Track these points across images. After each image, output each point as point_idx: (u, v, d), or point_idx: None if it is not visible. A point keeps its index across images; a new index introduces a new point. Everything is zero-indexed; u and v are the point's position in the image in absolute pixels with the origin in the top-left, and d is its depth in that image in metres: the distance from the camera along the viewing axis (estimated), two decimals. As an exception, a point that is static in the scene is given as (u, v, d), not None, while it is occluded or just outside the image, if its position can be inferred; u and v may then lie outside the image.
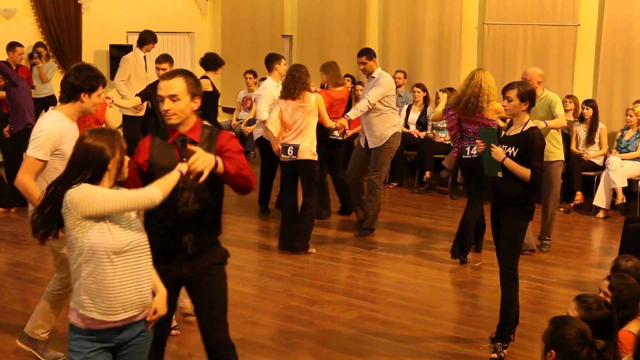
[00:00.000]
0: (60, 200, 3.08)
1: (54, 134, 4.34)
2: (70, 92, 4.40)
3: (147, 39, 10.12)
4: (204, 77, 8.43)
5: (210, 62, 8.74)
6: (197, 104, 3.61)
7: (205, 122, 3.77)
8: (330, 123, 7.46)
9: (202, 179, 3.32)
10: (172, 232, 3.62)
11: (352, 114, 7.82)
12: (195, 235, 3.66)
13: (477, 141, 5.27)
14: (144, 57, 10.30)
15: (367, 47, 8.29)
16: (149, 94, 7.85)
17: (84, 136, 3.18)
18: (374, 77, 7.75)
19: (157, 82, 7.64)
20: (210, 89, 8.35)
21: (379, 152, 7.78)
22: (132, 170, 3.50)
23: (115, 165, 3.18)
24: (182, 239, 3.64)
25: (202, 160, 3.31)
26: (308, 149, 7.10)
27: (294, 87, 7.06)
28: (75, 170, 3.12)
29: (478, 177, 6.60)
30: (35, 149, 4.31)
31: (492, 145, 5.06)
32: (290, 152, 7.12)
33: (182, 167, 3.30)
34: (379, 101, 7.66)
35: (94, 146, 3.12)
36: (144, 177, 3.56)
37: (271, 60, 8.13)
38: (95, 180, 3.12)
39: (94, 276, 3.06)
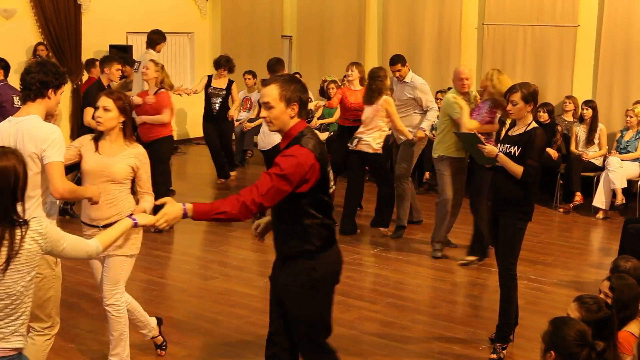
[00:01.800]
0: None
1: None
2: (37, 88, 3.98)
3: (155, 39, 9.94)
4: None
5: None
6: (294, 110, 3.51)
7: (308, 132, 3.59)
8: (401, 125, 7.70)
9: (165, 228, 3.40)
10: None
11: (426, 125, 7.98)
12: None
13: (484, 147, 5.22)
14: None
15: (397, 54, 8.38)
16: None
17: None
18: (407, 82, 8.00)
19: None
20: None
21: (404, 146, 7.94)
22: None
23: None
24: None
25: (166, 220, 3.31)
26: (369, 144, 7.68)
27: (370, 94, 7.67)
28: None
29: (480, 174, 6.75)
30: (60, 154, 3.96)
31: (482, 146, 5.11)
32: (354, 143, 7.79)
33: (141, 220, 3.40)
34: (412, 99, 7.95)
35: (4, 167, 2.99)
36: None
37: (278, 64, 8.20)
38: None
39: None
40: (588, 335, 3.09)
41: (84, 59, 11.39)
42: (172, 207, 3.32)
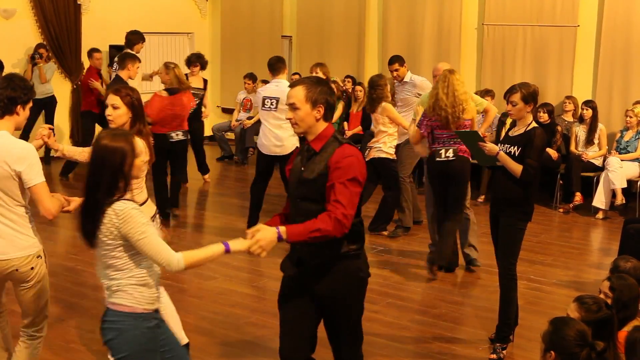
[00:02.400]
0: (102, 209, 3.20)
1: None
2: (5, 105, 3.87)
3: (132, 39, 10.04)
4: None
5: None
6: (320, 112, 3.51)
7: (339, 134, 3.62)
8: (406, 124, 7.62)
9: (262, 256, 3.36)
10: None
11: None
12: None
13: (485, 145, 5.18)
14: None
15: (396, 54, 8.42)
16: None
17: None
18: (406, 82, 8.05)
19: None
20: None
21: (404, 147, 7.91)
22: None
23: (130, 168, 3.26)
24: None
25: (260, 245, 3.31)
26: (380, 149, 7.72)
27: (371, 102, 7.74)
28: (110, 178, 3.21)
29: (457, 185, 6.53)
30: (41, 173, 3.93)
31: (483, 144, 5.10)
32: (365, 153, 7.77)
33: (234, 246, 3.30)
34: (415, 97, 7.95)
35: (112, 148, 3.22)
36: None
37: (280, 62, 8.14)
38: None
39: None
40: (588, 335, 3.09)
41: (84, 59, 11.40)
42: (266, 232, 3.32)
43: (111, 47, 11.73)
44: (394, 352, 5.16)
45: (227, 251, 3.29)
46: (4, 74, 8.51)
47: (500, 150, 5.01)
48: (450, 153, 6.43)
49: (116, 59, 9.30)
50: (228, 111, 13.18)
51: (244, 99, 12.13)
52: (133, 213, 3.15)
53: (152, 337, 3.26)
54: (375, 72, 10.13)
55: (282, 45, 13.02)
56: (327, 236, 3.37)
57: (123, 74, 7.92)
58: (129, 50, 9.80)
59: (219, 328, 5.47)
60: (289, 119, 3.56)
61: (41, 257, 4.07)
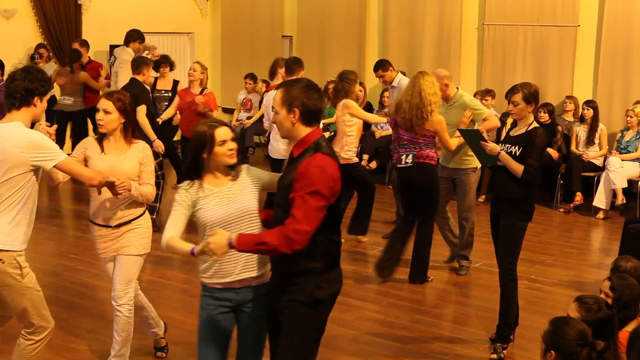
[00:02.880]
0: None
1: None
2: (22, 96, 3.93)
3: (129, 36, 10.17)
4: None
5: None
6: (295, 116, 3.32)
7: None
8: (373, 118, 7.62)
9: (213, 259, 3.34)
10: None
11: None
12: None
13: (487, 144, 5.13)
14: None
15: (380, 59, 8.35)
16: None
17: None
18: (394, 86, 7.97)
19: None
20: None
21: None
22: None
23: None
24: None
25: (210, 248, 3.22)
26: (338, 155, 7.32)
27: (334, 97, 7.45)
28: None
29: (425, 192, 6.28)
30: (60, 152, 3.99)
31: (485, 143, 5.09)
32: None
33: (197, 248, 3.28)
34: None
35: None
36: None
37: (296, 64, 8.02)
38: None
39: None
40: (588, 335, 3.09)
41: (84, 59, 11.38)
42: (219, 237, 3.23)
43: (111, 46, 11.71)
44: (394, 352, 5.16)
45: (192, 254, 3.30)
46: (4, 73, 8.54)
47: (501, 150, 5.01)
48: (409, 159, 6.23)
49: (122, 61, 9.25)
50: (228, 111, 13.18)
51: (244, 98, 12.12)
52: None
53: None
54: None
55: (283, 45, 13.02)
56: (274, 250, 3.20)
57: (140, 78, 7.86)
58: (127, 48, 9.98)
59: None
60: (272, 122, 3.55)
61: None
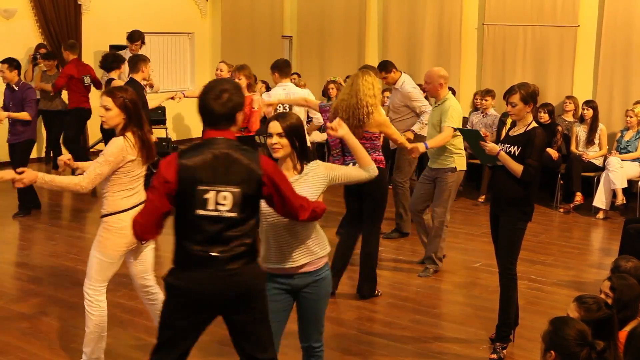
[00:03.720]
0: None
1: None
2: None
3: (135, 35, 10.20)
4: (111, 79, 8.38)
5: (110, 61, 8.68)
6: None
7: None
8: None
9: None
10: None
11: (417, 127, 7.79)
12: None
13: (486, 144, 5.10)
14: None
15: (383, 61, 8.30)
16: None
17: None
18: (397, 88, 7.94)
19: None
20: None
21: (399, 152, 7.83)
22: None
23: None
24: None
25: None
26: None
27: None
28: None
29: (371, 198, 5.95)
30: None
31: (484, 143, 5.08)
32: None
33: None
34: (404, 106, 7.84)
35: None
36: None
37: (289, 65, 8.03)
38: None
39: (264, 234, 3.74)
40: (588, 335, 3.09)
41: (84, 59, 11.38)
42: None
43: (111, 47, 11.72)
44: (394, 352, 5.16)
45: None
46: (20, 73, 8.58)
47: (500, 150, 5.01)
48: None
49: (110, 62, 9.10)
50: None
51: (244, 99, 12.12)
52: None
53: None
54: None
55: (283, 45, 13.02)
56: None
57: (137, 77, 7.81)
58: (124, 53, 9.92)
59: (218, 328, 5.44)
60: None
61: None
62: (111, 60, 8.75)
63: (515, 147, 4.95)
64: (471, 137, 5.35)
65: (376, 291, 6.23)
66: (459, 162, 6.62)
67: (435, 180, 6.67)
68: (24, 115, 8.16)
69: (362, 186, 5.57)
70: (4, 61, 8.34)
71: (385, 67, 7.97)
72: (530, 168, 4.88)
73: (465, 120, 10.45)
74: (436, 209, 6.66)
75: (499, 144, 5.13)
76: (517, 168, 4.89)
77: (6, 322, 5.48)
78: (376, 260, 6.21)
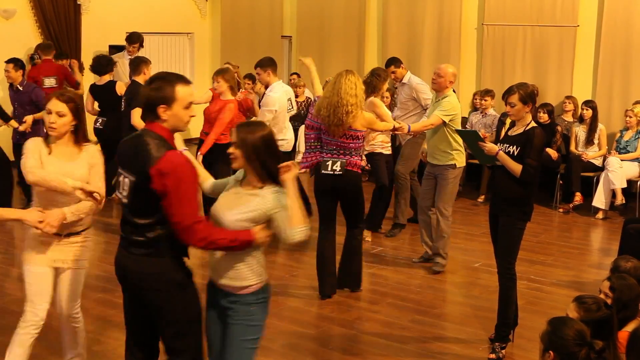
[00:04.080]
0: None
1: None
2: None
3: (131, 38, 10.25)
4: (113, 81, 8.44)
5: (104, 65, 8.68)
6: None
7: None
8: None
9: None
10: None
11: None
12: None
13: (485, 144, 5.08)
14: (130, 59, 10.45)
15: (392, 57, 8.38)
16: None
17: None
18: (404, 83, 8.01)
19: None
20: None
21: (404, 145, 7.93)
22: None
23: None
24: None
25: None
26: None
27: None
28: None
29: (351, 200, 6.02)
30: None
31: (483, 144, 5.08)
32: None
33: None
34: (411, 100, 7.93)
35: None
36: None
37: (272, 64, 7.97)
38: None
39: None
40: (587, 335, 3.09)
41: (83, 59, 11.39)
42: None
43: (111, 47, 11.73)
44: (394, 352, 5.16)
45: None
46: (24, 73, 8.56)
47: (499, 150, 5.01)
48: (337, 166, 5.86)
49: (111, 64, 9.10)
50: (228, 111, 13.18)
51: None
52: None
53: None
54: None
55: (282, 46, 13.03)
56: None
57: (140, 79, 7.73)
58: (122, 54, 10.02)
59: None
60: None
61: None
62: (105, 63, 8.74)
63: (515, 147, 4.95)
64: (470, 137, 5.36)
65: (360, 287, 6.30)
66: (459, 158, 6.68)
67: (436, 177, 6.74)
68: (43, 115, 8.16)
69: (337, 187, 5.84)
70: (10, 61, 8.31)
71: (394, 62, 8.11)
72: (530, 168, 4.88)
73: (464, 120, 10.46)
74: (440, 205, 6.72)
75: (498, 144, 5.13)
76: (517, 168, 4.90)
77: (6, 322, 5.47)
78: (360, 259, 6.28)
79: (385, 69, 7.70)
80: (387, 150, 7.86)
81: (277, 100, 7.56)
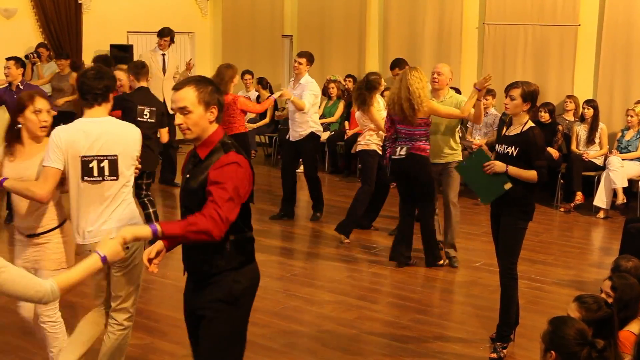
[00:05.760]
0: None
1: None
2: (102, 93, 4.08)
3: (162, 32, 10.41)
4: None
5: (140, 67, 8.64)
6: (213, 114, 3.26)
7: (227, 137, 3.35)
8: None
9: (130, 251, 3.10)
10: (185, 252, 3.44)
11: None
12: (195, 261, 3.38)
13: (492, 164, 4.99)
14: (162, 54, 10.50)
15: (397, 58, 8.69)
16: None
17: None
18: None
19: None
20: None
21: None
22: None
23: None
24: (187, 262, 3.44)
25: (131, 238, 3.06)
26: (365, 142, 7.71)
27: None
28: None
29: (418, 182, 6.66)
30: None
31: (490, 163, 4.96)
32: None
33: (108, 251, 2.98)
34: None
35: None
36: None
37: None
38: None
39: None
40: (588, 334, 3.09)
41: (84, 58, 11.39)
42: (136, 228, 3.13)
43: (112, 46, 11.73)
44: (395, 351, 5.16)
45: (104, 261, 2.95)
46: (25, 72, 8.52)
47: (507, 167, 4.92)
48: (403, 151, 6.59)
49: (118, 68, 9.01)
50: (229, 111, 13.18)
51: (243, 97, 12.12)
52: None
53: None
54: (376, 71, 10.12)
55: (283, 45, 13.02)
56: (205, 233, 3.09)
57: (143, 84, 7.65)
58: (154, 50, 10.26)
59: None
60: (179, 124, 3.25)
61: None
62: (141, 66, 8.64)
63: (513, 148, 4.95)
64: (473, 166, 5.12)
65: (441, 261, 6.93)
66: (460, 154, 7.01)
67: (440, 175, 6.90)
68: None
69: (408, 171, 6.61)
70: (11, 58, 8.10)
71: (399, 64, 8.31)
72: (542, 169, 4.91)
73: (465, 120, 10.44)
74: (450, 197, 6.94)
75: (497, 145, 5.12)
76: (531, 175, 4.89)
77: (6, 322, 5.48)
78: (434, 234, 6.94)
79: (378, 74, 7.67)
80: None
81: (317, 87, 8.25)
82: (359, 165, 8.21)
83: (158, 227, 3.06)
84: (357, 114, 7.81)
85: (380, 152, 7.68)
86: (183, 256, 3.44)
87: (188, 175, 3.32)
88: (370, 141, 7.64)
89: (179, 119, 3.24)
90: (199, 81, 3.29)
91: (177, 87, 3.26)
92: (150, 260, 3.20)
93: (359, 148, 7.84)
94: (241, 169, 3.22)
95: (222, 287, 3.30)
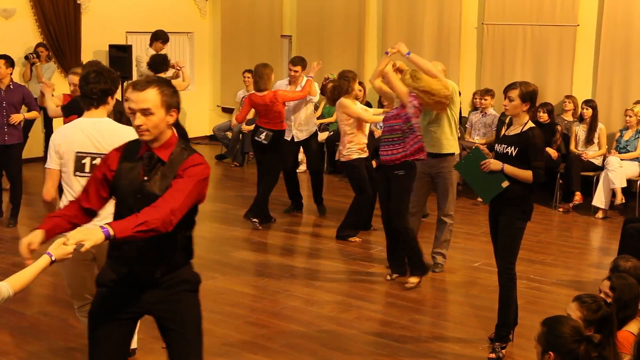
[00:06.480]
0: None
1: None
2: (99, 97, 4.21)
3: (156, 35, 10.34)
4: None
5: (159, 62, 8.74)
6: (172, 117, 3.24)
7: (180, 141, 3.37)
8: (368, 117, 7.70)
9: (84, 249, 2.92)
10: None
11: None
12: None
13: (488, 162, 4.99)
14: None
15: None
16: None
17: None
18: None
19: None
20: None
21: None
22: (96, 178, 3.33)
23: None
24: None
25: (81, 238, 2.92)
26: (340, 152, 7.72)
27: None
28: None
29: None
30: None
31: (486, 162, 4.97)
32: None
33: (54, 252, 2.93)
34: None
35: None
36: (109, 186, 3.34)
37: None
38: None
39: None
40: (583, 330, 3.10)
41: (83, 58, 11.38)
42: (89, 229, 2.99)
43: (111, 46, 11.73)
44: (394, 351, 5.16)
45: (53, 261, 2.93)
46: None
47: (503, 165, 4.93)
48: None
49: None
50: (228, 110, 13.19)
51: (243, 97, 12.11)
52: None
53: None
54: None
55: (282, 45, 13.02)
56: (153, 230, 3.05)
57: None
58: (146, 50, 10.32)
59: (218, 328, 5.47)
60: (139, 125, 3.17)
61: None
62: (160, 61, 8.73)
63: (512, 148, 4.95)
64: (471, 164, 5.13)
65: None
66: (456, 144, 6.72)
67: (433, 178, 6.72)
68: (35, 114, 8.24)
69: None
70: (1, 57, 7.95)
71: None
72: (539, 170, 4.90)
73: (464, 120, 10.47)
74: (445, 209, 6.81)
75: (496, 145, 5.12)
76: (527, 175, 4.88)
77: (6, 322, 5.49)
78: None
79: (351, 70, 7.73)
80: (365, 153, 7.67)
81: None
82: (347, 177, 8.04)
83: (110, 229, 2.98)
84: (336, 115, 7.74)
85: (364, 155, 7.57)
86: (131, 260, 3.31)
87: (146, 178, 3.24)
88: (351, 150, 7.50)
89: (139, 120, 3.16)
90: (161, 83, 3.24)
91: (138, 88, 3.18)
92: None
93: (342, 159, 7.69)
94: (207, 171, 3.29)
95: (186, 278, 3.44)
